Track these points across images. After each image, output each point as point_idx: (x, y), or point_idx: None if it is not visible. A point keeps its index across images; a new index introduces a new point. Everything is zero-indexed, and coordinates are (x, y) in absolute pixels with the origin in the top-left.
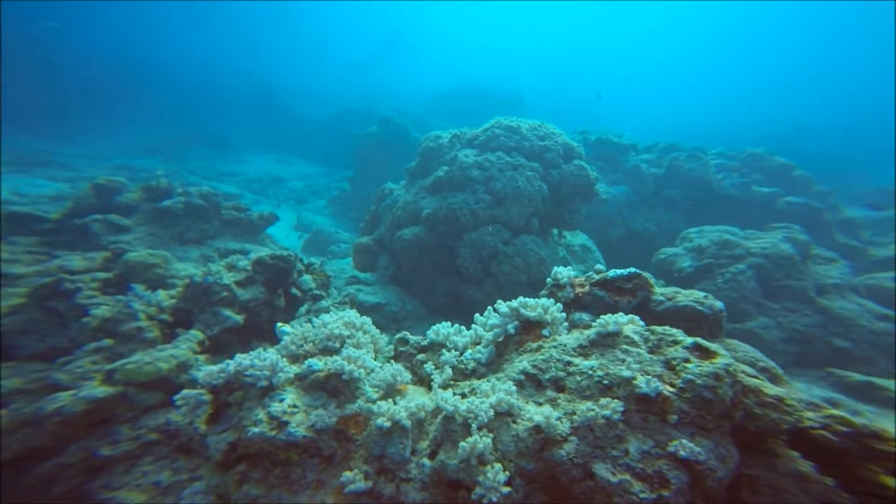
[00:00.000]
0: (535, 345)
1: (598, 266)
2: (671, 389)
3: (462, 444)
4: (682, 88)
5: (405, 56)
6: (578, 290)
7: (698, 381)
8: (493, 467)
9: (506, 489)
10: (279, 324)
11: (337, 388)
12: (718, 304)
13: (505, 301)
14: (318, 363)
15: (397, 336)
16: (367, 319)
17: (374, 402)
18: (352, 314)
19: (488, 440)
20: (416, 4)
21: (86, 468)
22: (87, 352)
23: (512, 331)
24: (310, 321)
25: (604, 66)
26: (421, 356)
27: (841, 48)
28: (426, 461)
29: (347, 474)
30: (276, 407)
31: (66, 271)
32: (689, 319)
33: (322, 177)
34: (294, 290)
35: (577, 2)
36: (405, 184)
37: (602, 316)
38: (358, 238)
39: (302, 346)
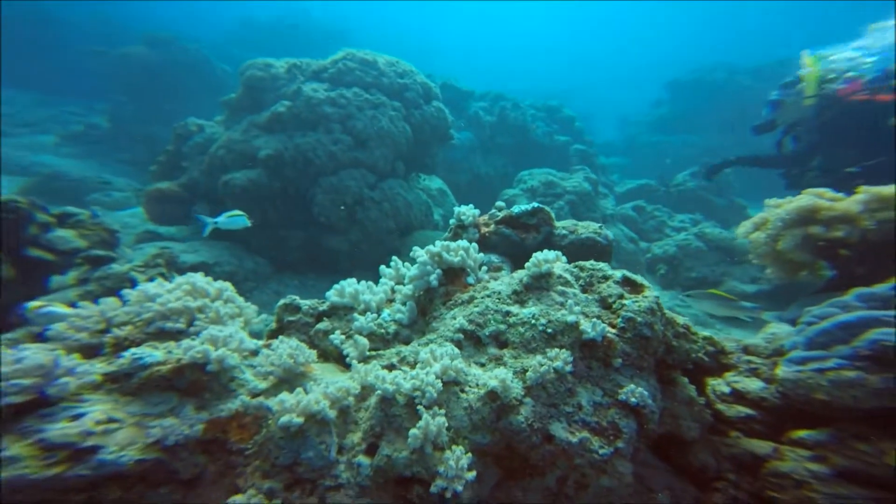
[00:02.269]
0: (465, 296)
1: (499, 203)
2: (612, 331)
3: (413, 430)
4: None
5: None
6: (484, 229)
7: (638, 319)
8: (452, 451)
9: (470, 475)
10: (32, 303)
11: (197, 383)
12: (609, 234)
13: (372, 250)
14: (155, 353)
15: (281, 302)
16: (227, 284)
17: (261, 394)
18: (197, 278)
19: (442, 419)
20: None
21: None
22: None
23: (435, 282)
24: (118, 295)
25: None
26: (322, 325)
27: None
28: (363, 459)
29: (238, 498)
30: (59, 429)
31: None
32: (590, 251)
33: (40, 106)
34: (35, 252)
35: None
36: (223, 119)
37: (535, 254)
38: (151, 184)
39: (105, 330)
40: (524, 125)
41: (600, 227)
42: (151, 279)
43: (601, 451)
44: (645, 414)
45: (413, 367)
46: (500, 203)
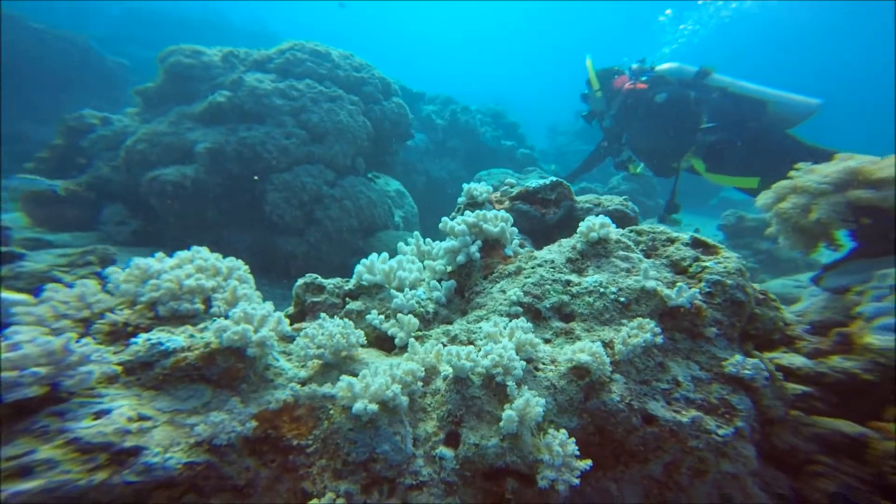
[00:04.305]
0: (511, 267)
1: (509, 179)
2: (699, 297)
3: (507, 412)
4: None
5: None
6: (497, 206)
7: (728, 282)
8: (555, 435)
9: (583, 463)
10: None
11: (231, 372)
12: (634, 206)
13: (333, 251)
14: (175, 337)
15: (301, 282)
16: (238, 262)
17: (306, 382)
18: (204, 252)
19: (542, 399)
20: None
21: None
22: None
23: (477, 254)
24: (99, 275)
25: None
26: (355, 304)
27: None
28: (445, 451)
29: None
30: (93, 428)
31: None
32: (619, 223)
33: None
34: None
35: None
36: (137, 111)
37: (588, 218)
38: (32, 183)
39: (88, 319)
40: (474, 129)
41: (626, 199)
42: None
43: (720, 432)
44: (758, 388)
45: (470, 346)
46: (510, 179)
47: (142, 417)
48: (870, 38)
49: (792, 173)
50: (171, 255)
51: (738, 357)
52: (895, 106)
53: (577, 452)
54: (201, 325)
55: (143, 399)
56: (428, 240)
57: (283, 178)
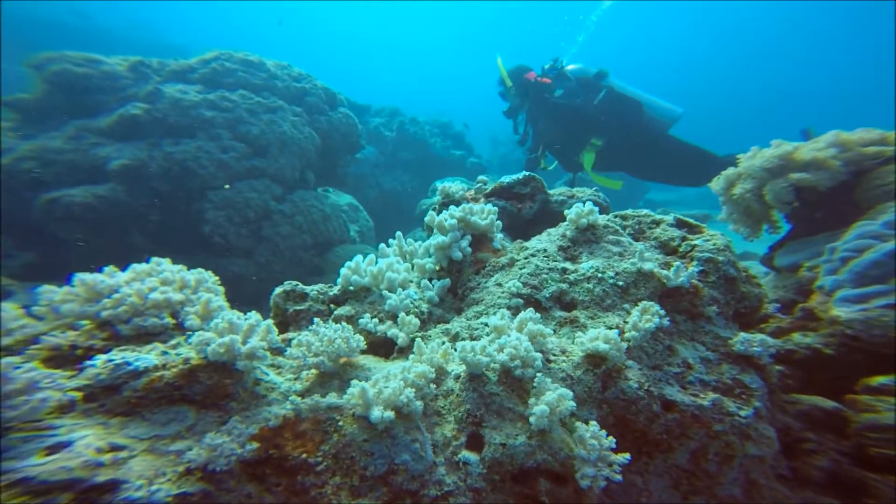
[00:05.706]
0: (503, 259)
1: (482, 176)
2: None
3: (538, 407)
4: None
5: None
6: (473, 203)
7: (720, 258)
8: (586, 428)
9: (621, 457)
10: None
11: (216, 389)
12: (605, 196)
13: (287, 270)
14: (144, 356)
15: (279, 290)
16: (206, 273)
17: (303, 394)
18: (165, 264)
19: (569, 391)
20: None
21: None
22: None
23: (469, 248)
24: (31, 293)
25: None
26: (343, 309)
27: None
28: (469, 455)
29: None
30: (47, 464)
31: None
32: None
33: None
34: None
35: None
36: (11, 125)
37: (571, 208)
38: None
39: (31, 340)
40: (424, 140)
41: (597, 190)
42: None
43: (742, 414)
44: (765, 366)
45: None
46: (482, 177)
47: (114, 447)
48: (869, 38)
49: (739, 157)
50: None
51: (743, 335)
52: (895, 105)
53: (614, 445)
54: (173, 342)
55: (112, 427)
56: (409, 239)
57: (224, 194)
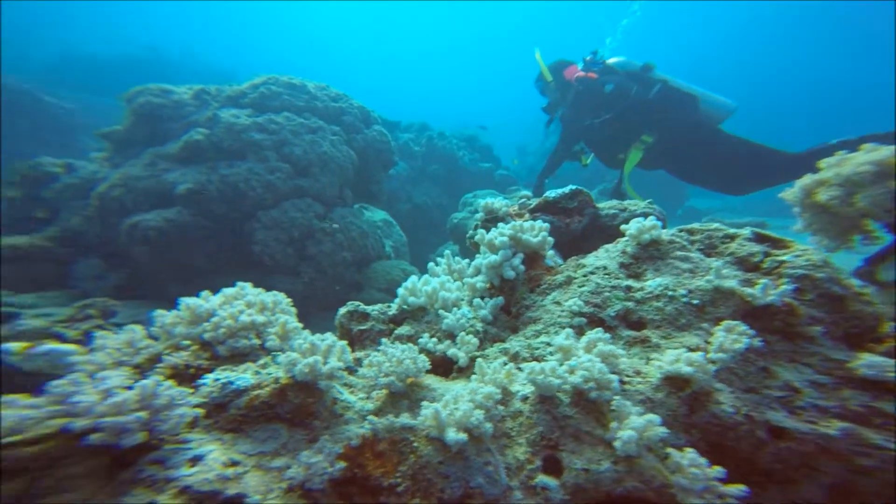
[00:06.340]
0: (560, 277)
1: (524, 192)
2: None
3: (624, 431)
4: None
5: None
6: (518, 219)
7: (818, 275)
8: (683, 454)
9: (737, 488)
10: (15, 344)
11: (302, 408)
12: (661, 209)
13: (329, 287)
14: (243, 376)
15: (343, 311)
16: (280, 295)
17: (376, 414)
18: (249, 288)
19: (656, 416)
20: None
21: None
22: None
23: (521, 267)
24: (148, 317)
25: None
26: (404, 329)
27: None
28: (547, 479)
29: None
30: (196, 475)
31: None
32: None
33: None
34: None
35: None
36: (106, 156)
37: (631, 222)
38: None
39: (141, 365)
40: (453, 154)
41: (651, 202)
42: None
43: (887, 445)
44: (892, 388)
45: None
46: (525, 192)
47: (233, 462)
48: (868, 39)
49: (821, 164)
50: (175, 307)
51: (870, 357)
52: (895, 105)
53: (723, 475)
54: (261, 362)
55: (227, 443)
56: (457, 258)
57: (271, 214)
